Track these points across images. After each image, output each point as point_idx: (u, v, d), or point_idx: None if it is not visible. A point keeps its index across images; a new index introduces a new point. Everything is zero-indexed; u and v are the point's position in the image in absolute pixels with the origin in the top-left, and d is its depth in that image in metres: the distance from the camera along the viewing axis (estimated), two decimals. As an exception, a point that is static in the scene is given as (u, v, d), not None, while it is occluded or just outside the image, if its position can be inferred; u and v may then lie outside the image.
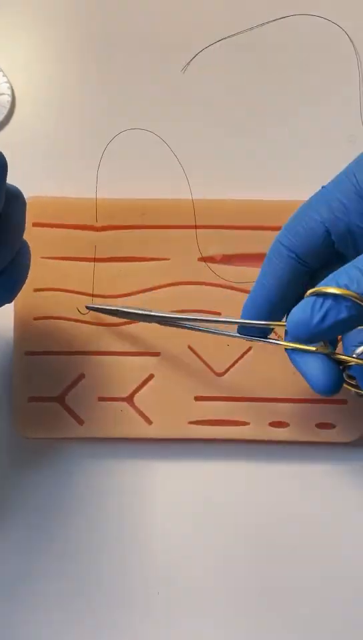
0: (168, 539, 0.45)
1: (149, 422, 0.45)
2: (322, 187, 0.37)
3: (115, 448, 0.46)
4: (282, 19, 0.49)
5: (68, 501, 0.45)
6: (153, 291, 0.46)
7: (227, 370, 0.46)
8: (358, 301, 0.32)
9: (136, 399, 0.45)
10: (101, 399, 0.45)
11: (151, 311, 0.43)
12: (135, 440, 0.45)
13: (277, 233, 0.45)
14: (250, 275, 0.45)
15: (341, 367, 0.36)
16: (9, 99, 0.48)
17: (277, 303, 0.37)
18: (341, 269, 0.33)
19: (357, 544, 0.45)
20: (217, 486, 0.45)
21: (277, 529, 0.45)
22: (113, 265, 0.46)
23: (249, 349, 0.45)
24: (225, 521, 0.45)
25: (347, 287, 0.32)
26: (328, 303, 0.32)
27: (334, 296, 0.32)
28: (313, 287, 0.33)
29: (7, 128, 0.48)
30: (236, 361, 0.46)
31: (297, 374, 0.41)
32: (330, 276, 0.33)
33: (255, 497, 0.45)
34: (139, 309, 0.43)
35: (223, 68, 0.49)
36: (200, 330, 0.41)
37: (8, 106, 0.48)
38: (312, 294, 0.33)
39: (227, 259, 0.46)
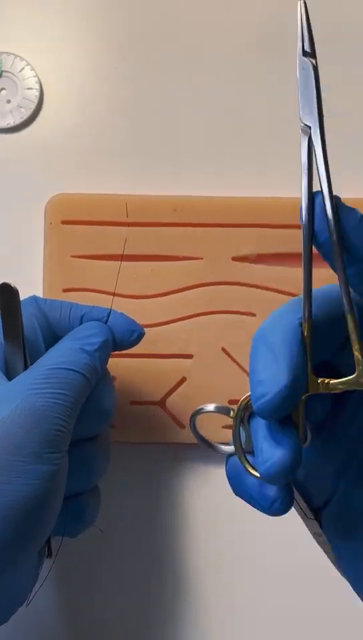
0: (200, 545, 0.44)
1: (182, 426, 0.44)
2: None
3: (147, 452, 0.45)
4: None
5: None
6: (186, 292, 0.45)
7: (262, 373, 0.44)
8: None
9: (168, 402, 0.44)
10: (133, 402, 0.44)
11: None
12: (167, 444, 0.44)
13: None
14: (285, 274, 0.44)
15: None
16: (37, 93, 0.47)
17: None
18: None
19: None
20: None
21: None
22: (144, 264, 0.45)
23: (285, 351, 0.44)
24: (261, 528, 0.44)
25: None
26: None
27: None
28: None
29: (35, 123, 0.47)
30: (271, 364, 0.44)
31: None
32: None
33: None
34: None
35: (235, 69, 0.47)
36: None
37: (36, 101, 0.47)
38: None
39: (262, 259, 0.45)
